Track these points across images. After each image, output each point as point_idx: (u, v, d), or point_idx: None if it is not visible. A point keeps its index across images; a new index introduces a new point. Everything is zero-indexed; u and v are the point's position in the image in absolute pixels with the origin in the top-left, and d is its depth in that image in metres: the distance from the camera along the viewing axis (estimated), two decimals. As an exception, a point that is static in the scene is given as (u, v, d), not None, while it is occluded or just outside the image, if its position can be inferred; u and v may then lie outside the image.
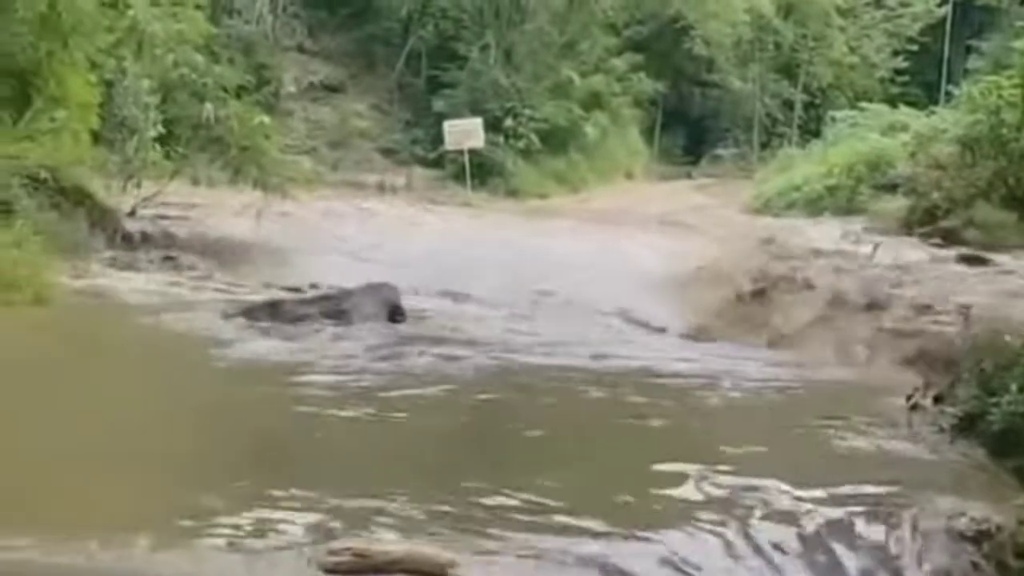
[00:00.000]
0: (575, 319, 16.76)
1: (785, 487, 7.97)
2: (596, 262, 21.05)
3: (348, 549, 6.42)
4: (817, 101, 51.78)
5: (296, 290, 17.57)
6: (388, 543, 6.62)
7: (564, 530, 7.09)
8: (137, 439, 8.80)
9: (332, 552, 6.41)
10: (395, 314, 15.63)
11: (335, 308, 15.21)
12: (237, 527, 6.81)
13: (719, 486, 8.13)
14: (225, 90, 23.40)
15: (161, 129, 24.26)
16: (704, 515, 7.51)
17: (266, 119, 24.54)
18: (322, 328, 14.59)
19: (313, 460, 8.81)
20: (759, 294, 16.42)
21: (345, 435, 9.65)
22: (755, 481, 8.14)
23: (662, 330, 16.28)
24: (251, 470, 8.10)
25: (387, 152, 40.77)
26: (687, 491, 8.07)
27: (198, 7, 25.15)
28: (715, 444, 9.69)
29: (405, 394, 11.03)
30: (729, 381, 12.45)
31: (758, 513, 7.52)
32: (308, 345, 13.67)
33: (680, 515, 7.51)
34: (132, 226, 21.85)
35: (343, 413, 10.15)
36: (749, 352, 14.57)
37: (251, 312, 15.09)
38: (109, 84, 23.76)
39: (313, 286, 18.05)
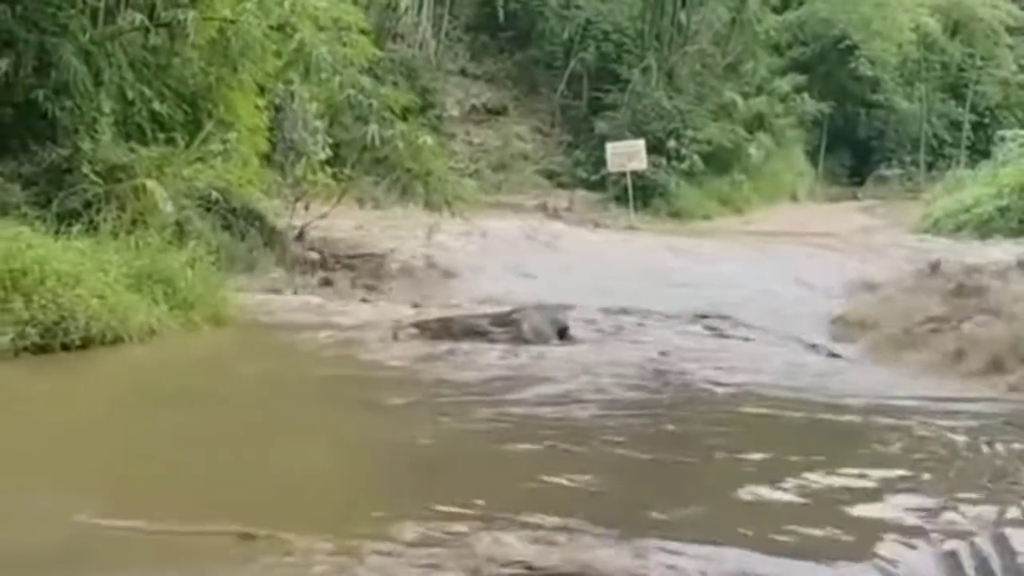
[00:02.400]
0: (751, 342, 16.33)
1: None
2: (767, 284, 20.65)
3: None
4: (985, 121, 50.44)
5: (458, 307, 17.47)
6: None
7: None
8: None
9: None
10: (564, 334, 15.38)
11: (506, 326, 15.04)
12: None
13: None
14: (391, 111, 23.48)
15: (328, 151, 24.52)
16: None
17: (430, 140, 24.60)
18: (493, 347, 14.40)
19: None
20: (943, 318, 15.72)
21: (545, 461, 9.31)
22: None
23: (836, 355, 15.72)
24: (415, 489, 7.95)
25: (549, 174, 40.74)
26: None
27: (363, 31, 25.30)
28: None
29: (588, 417, 10.73)
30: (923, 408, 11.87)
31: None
32: (483, 361, 13.49)
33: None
34: (300, 247, 22.07)
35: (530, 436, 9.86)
36: (937, 379, 13.92)
37: (423, 329, 15.01)
38: (277, 108, 24.08)
39: (482, 304, 17.92)
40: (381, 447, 9.29)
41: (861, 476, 8.47)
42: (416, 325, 15.23)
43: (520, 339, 14.62)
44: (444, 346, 14.26)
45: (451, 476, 8.49)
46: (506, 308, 16.17)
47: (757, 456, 9.44)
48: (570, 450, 9.25)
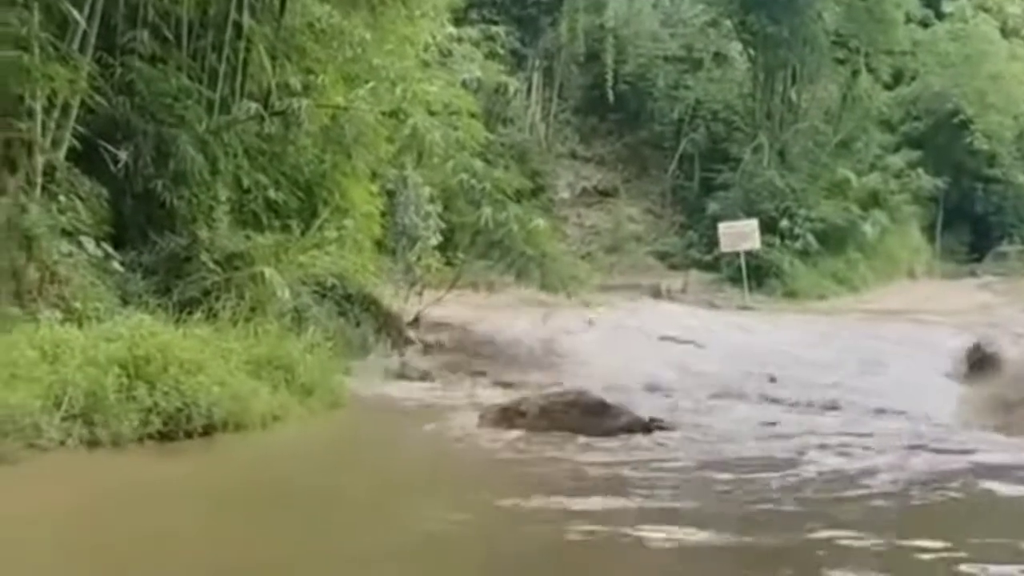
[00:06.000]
0: (881, 420, 15.97)
1: None
2: (898, 362, 20.25)
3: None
4: (1108, 195, 49.36)
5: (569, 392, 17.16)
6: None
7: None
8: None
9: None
10: (652, 423, 14.95)
11: (589, 414, 14.75)
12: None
13: None
14: (504, 194, 23.50)
15: (441, 236, 24.58)
16: None
17: (543, 222, 24.55)
18: (572, 436, 14.09)
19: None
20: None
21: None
22: None
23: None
24: None
25: (662, 256, 40.53)
26: None
27: (473, 116, 25.45)
28: None
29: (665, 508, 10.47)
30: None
31: None
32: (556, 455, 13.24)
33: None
34: (415, 332, 22.07)
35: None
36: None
37: (504, 416, 14.81)
38: (390, 193, 24.21)
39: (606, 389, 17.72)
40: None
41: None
42: (498, 412, 15.04)
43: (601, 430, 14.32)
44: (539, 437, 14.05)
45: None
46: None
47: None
48: None
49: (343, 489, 10.92)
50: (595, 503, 10.57)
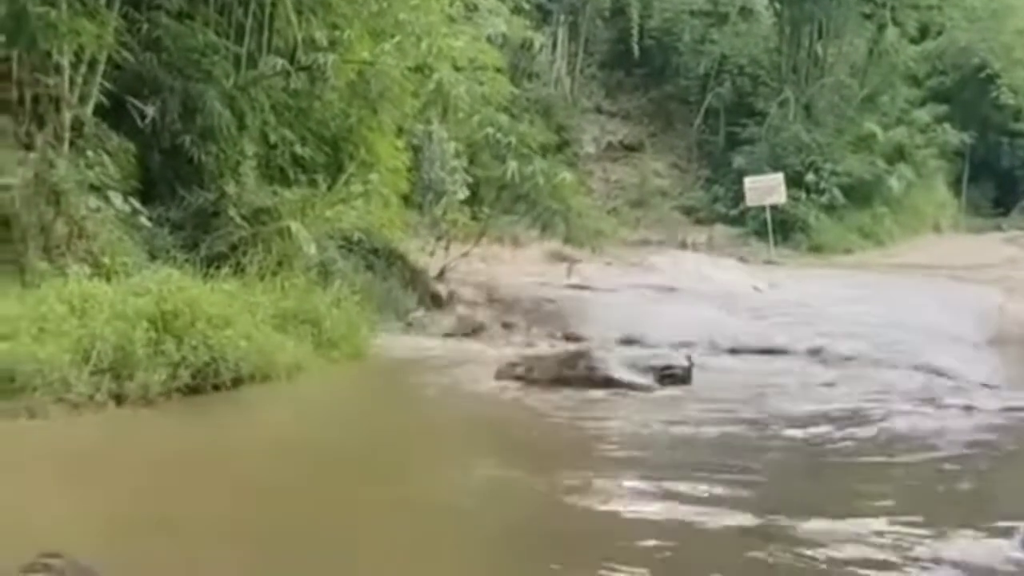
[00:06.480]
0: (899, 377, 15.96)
1: None
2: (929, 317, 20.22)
3: None
4: None
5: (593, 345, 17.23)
6: None
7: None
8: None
9: None
10: (680, 373, 14.96)
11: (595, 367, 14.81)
12: None
13: None
14: (530, 148, 23.52)
15: (467, 190, 24.62)
16: None
17: (569, 176, 24.57)
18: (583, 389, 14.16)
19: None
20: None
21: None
22: None
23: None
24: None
25: (687, 210, 40.42)
26: None
27: (499, 71, 25.42)
28: None
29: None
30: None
31: None
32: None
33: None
34: (441, 286, 22.16)
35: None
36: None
37: (517, 371, 14.88)
38: (416, 148, 24.24)
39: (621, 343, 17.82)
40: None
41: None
42: (509, 366, 15.11)
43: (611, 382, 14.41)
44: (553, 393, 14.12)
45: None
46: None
47: None
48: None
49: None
50: (570, 462, 10.70)
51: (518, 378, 14.64)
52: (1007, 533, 7.71)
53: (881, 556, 7.51)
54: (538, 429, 12.41)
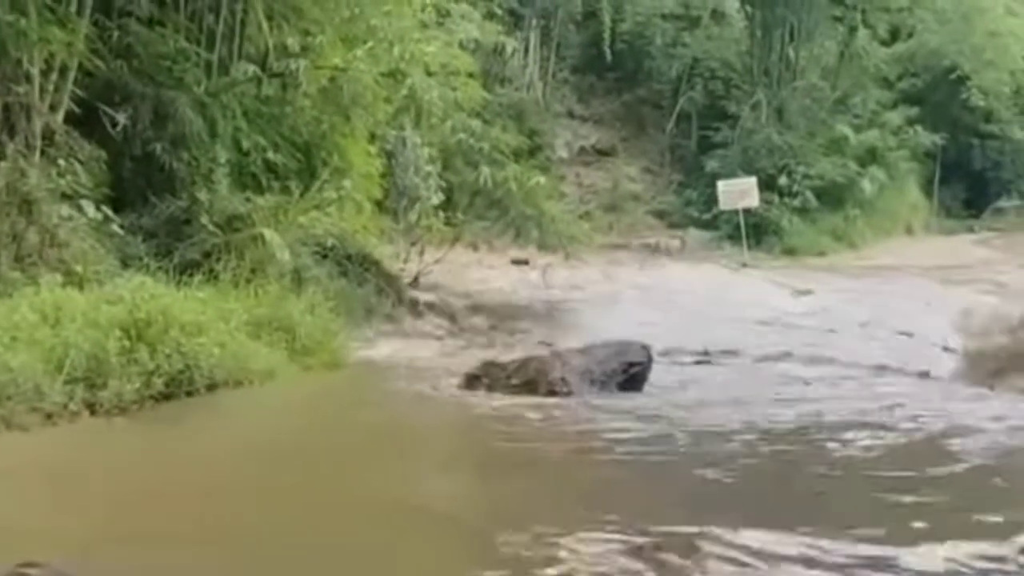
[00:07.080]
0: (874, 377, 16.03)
1: None
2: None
3: None
4: (1106, 150, 49.29)
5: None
6: None
7: None
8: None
9: None
10: (634, 379, 14.86)
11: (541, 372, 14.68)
12: None
13: None
14: (502, 153, 23.55)
15: (441, 196, 24.61)
16: None
17: (542, 180, 24.61)
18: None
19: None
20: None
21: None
22: None
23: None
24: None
25: (660, 214, 40.48)
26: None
27: (471, 76, 25.44)
28: None
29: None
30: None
31: None
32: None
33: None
34: (415, 292, 22.15)
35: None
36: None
37: (481, 379, 14.77)
38: (389, 154, 24.22)
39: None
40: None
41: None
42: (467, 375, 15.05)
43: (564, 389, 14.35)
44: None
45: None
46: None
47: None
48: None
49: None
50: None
51: (483, 386, 14.58)
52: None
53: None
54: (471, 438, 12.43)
